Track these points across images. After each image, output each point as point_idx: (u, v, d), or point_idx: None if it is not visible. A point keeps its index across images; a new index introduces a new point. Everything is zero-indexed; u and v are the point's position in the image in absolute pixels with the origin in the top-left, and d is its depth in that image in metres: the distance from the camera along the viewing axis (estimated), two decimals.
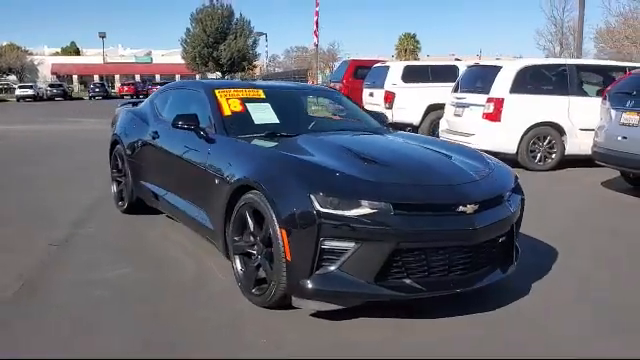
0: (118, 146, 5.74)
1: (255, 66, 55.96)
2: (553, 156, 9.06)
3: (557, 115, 8.99)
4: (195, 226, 4.36)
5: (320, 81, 28.72)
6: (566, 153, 9.08)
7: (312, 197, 3.13)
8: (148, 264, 4.27)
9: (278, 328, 3.23)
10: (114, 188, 5.95)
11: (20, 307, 3.48)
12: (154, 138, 5.00)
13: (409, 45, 71.09)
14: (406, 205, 3.18)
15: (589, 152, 8.19)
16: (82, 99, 48.56)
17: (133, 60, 71.51)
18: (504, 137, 8.86)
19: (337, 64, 76.87)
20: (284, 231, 3.19)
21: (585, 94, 9.17)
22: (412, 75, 12.04)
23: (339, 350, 2.99)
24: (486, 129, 8.94)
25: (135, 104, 6.49)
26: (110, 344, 3.02)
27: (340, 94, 5.30)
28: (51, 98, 45.57)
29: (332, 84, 15.92)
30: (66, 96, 47.40)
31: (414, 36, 71.35)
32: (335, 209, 3.11)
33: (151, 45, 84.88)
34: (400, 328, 3.24)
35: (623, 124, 6.85)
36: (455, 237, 3.25)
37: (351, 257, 3.12)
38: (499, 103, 8.82)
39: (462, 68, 11.38)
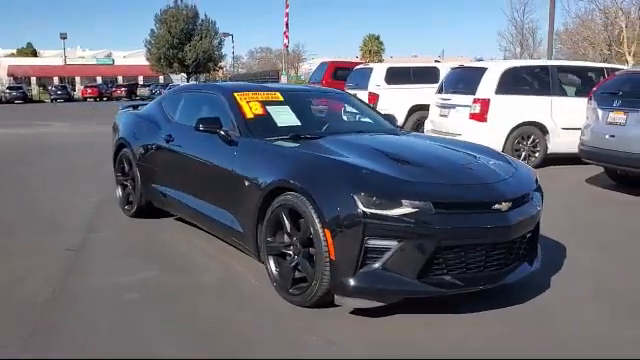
0: (125, 150, 5.70)
1: (221, 67, 55.60)
2: (537, 155, 9.35)
3: (540, 115, 9.28)
4: (219, 228, 4.38)
5: (284, 81, 28.72)
6: (549, 152, 9.37)
7: (356, 198, 3.21)
8: (172, 267, 4.27)
9: (323, 326, 3.29)
10: (119, 192, 5.91)
11: (60, 312, 3.46)
12: (168, 141, 5.00)
13: (373, 46, 71.87)
14: (446, 204, 3.29)
15: (571, 150, 8.52)
16: (43, 102, 47.44)
17: (94, 62, 70.06)
18: (490, 137, 9.06)
19: (304, 65, 76.96)
20: (328, 231, 3.26)
21: (566, 94, 9.49)
22: (395, 77, 12.25)
23: (388, 346, 3.08)
24: (473, 129, 9.14)
25: (135, 107, 6.45)
26: (162, 344, 3.05)
27: (350, 96, 5.38)
28: (10, 101, 44.25)
29: (312, 85, 15.99)
30: (26, 99, 46.11)
31: (378, 37, 72.16)
32: (377, 209, 3.19)
33: (111, 46, 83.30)
34: (432, 324, 3.33)
35: (610, 123, 7.14)
36: (492, 234, 3.37)
37: (394, 255, 3.21)
38: (485, 104, 9.05)
39: (442, 70, 11.61)
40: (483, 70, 9.33)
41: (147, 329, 3.25)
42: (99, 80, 61.99)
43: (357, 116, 5.09)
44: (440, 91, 10.20)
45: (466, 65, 10.53)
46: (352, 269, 3.24)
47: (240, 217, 4.08)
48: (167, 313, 3.47)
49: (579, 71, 10.04)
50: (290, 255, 3.64)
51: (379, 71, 12.45)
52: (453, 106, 9.56)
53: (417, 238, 3.20)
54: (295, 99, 4.87)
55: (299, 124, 4.51)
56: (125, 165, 5.72)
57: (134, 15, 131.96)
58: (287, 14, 27.62)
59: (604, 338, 3.20)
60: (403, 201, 3.22)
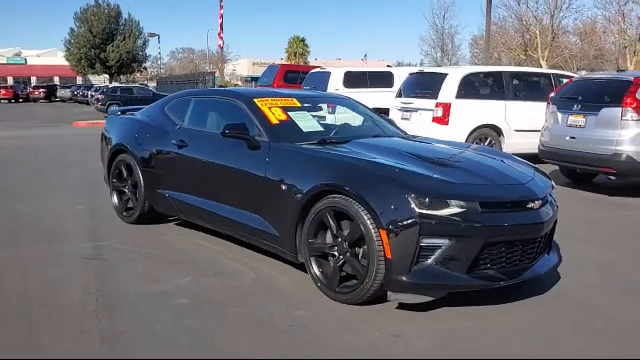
0: (123, 155, 5.62)
1: (145, 68, 54.12)
2: None
3: (495, 118, 9.87)
4: (247, 232, 4.45)
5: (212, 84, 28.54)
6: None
7: (410, 200, 3.43)
8: (203, 272, 4.30)
9: (380, 321, 3.48)
10: (115, 199, 5.82)
11: (120, 319, 3.45)
12: (180, 147, 5.00)
13: (298, 48, 72.30)
14: (490, 203, 3.58)
15: (523, 151, 9.10)
16: None
17: (3, 61, 66.20)
18: (452, 139, 9.51)
19: (228, 65, 76.08)
20: (383, 232, 3.45)
21: (518, 98, 10.13)
22: (352, 81, 12.58)
23: (447, 335, 3.31)
24: (435, 132, 9.58)
25: (124, 113, 6.36)
26: (247, 345, 3.14)
27: (353, 100, 5.57)
28: None
29: (260, 88, 16.04)
30: None
31: (303, 40, 72.64)
32: (429, 209, 3.43)
33: (20, 44, 78.64)
34: (479, 314, 3.60)
35: (570, 125, 7.75)
36: (528, 230, 3.69)
37: (445, 252, 3.46)
38: (447, 108, 9.53)
39: (397, 74, 12.04)
40: (444, 75, 9.81)
41: (221, 331, 3.32)
42: (10, 81, 58.59)
43: (366, 120, 5.29)
44: (400, 95, 10.60)
45: (426, 70, 11.00)
46: (407, 267, 3.45)
47: (274, 220, 4.19)
48: (228, 316, 3.54)
49: (529, 76, 10.75)
50: (334, 255, 3.80)
51: (337, 75, 12.75)
52: (415, 109, 9.98)
53: (466, 236, 3.46)
54: (310, 104, 5.02)
55: (322, 129, 4.67)
56: (123, 171, 5.64)
57: (47, 12, 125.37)
58: (222, 15, 27.46)
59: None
60: (452, 201, 3.47)
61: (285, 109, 4.69)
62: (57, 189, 7.70)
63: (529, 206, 3.72)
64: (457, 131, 9.57)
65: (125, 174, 5.64)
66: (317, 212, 3.84)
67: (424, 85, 10.18)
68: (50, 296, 3.78)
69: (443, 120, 9.57)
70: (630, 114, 7.08)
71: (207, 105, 5.25)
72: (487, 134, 9.86)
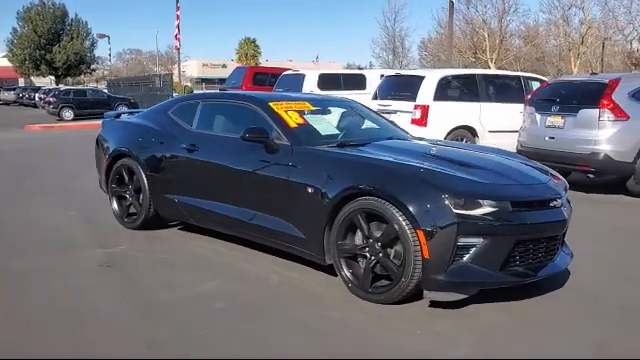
0: (125, 160, 5.53)
1: (94, 69, 52.67)
2: None
3: (471, 119, 10.14)
4: (268, 235, 4.45)
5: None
6: None
7: (447, 201, 3.54)
8: (228, 277, 4.29)
9: (418, 319, 3.57)
10: (115, 205, 5.70)
11: (165, 325, 3.44)
12: (191, 151, 4.96)
13: (249, 50, 72.02)
14: (520, 202, 3.72)
15: None
16: None
17: None
18: None
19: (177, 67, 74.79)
20: (421, 232, 3.54)
21: (491, 100, 10.44)
22: (327, 83, 12.70)
23: (484, 329, 3.43)
24: (414, 133, 9.75)
25: (118, 116, 6.24)
26: (305, 345, 3.17)
27: (357, 103, 5.65)
28: None
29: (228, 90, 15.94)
30: None
31: (254, 41, 72.40)
32: (463, 209, 3.55)
33: None
34: (510, 308, 3.74)
35: (549, 126, 8.08)
36: (553, 228, 3.86)
37: (479, 250, 3.58)
38: (425, 109, 9.73)
39: (370, 77, 12.22)
40: (421, 78, 10.02)
41: (269, 334, 3.35)
42: None
43: (374, 123, 5.37)
44: (376, 97, 10.76)
45: (403, 73, 11.22)
46: (445, 266, 3.55)
47: (299, 223, 4.21)
48: (270, 318, 3.57)
49: (501, 79, 11.08)
50: (365, 256, 3.86)
51: (312, 77, 12.84)
52: (395, 111, 10.13)
53: (499, 234, 3.60)
54: (320, 108, 5.07)
55: (338, 132, 4.74)
56: (125, 176, 5.54)
57: None
58: (178, 16, 27.08)
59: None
60: (485, 201, 3.60)
61: (300, 112, 4.73)
62: (38, 196, 7.47)
63: (552, 204, 3.88)
64: (435, 132, 9.76)
65: (127, 179, 5.54)
66: (347, 214, 3.90)
67: (401, 87, 10.35)
68: (84, 305, 3.71)
69: (422, 122, 9.76)
70: (607, 115, 7.44)
71: (217, 109, 5.23)
72: (463, 135, 10.12)
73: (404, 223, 3.60)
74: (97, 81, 65.69)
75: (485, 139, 10.21)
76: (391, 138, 4.92)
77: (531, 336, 3.38)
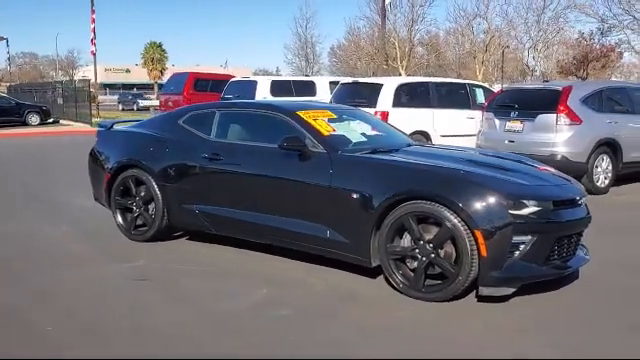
0: (133, 171, 5.38)
1: None
2: None
3: (425, 124, 10.66)
4: (306, 240, 4.52)
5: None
6: None
7: (502, 201, 3.82)
8: (273, 284, 4.31)
9: (479, 315, 3.81)
10: (119, 218, 5.52)
11: (239, 332, 3.46)
12: (213, 160, 4.93)
13: (155, 54, 70.09)
14: (558, 201, 4.07)
15: None
16: None
17: None
18: None
19: (79, 72, 71.35)
20: (479, 232, 3.79)
21: (442, 106, 10.99)
22: (279, 89, 12.78)
23: (545, 317, 3.73)
24: None
25: (111, 127, 6.03)
26: (377, 351, 3.30)
27: (365, 112, 5.82)
28: None
29: (166, 97, 15.58)
30: None
31: (160, 45, 70.53)
32: (514, 210, 3.84)
33: None
34: (549, 303, 4.07)
35: (508, 130, 8.68)
36: (582, 224, 4.24)
37: (528, 247, 3.89)
38: (385, 116, 10.09)
39: (319, 83, 12.46)
40: (379, 86, 10.39)
41: (352, 338, 3.44)
42: None
43: (386, 130, 5.56)
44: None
45: (360, 81, 11.52)
46: (501, 263, 3.83)
47: (342, 227, 4.33)
48: (341, 321, 3.68)
49: (449, 86, 11.69)
50: (417, 258, 4.05)
51: (264, 84, 12.87)
52: None
53: (545, 231, 3.93)
54: (340, 116, 5.20)
55: (364, 139, 4.89)
56: (132, 187, 5.39)
57: None
58: (94, 20, 25.97)
59: None
60: (531, 201, 3.91)
61: (327, 121, 4.84)
62: (17, 211, 7.00)
63: (579, 202, 4.27)
64: None
65: (134, 190, 5.39)
66: (397, 218, 4.07)
67: (359, 94, 10.66)
68: (146, 319, 3.66)
69: None
70: (563, 120, 8.13)
71: (238, 118, 5.22)
72: (418, 139, 10.55)
73: (460, 224, 3.84)
74: (12, 87, 61.41)
75: (437, 142, 10.75)
76: (410, 145, 5.15)
77: (583, 319, 3.72)
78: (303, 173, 4.52)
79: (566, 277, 4.30)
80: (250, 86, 12.93)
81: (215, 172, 4.95)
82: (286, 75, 43.26)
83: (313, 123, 4.72)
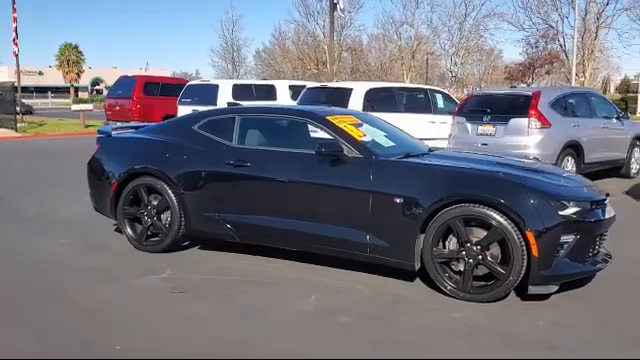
0: (146, 179, 5.14)
1: None
2: None
3: None
4: (342, 246, 4.49)
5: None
6: None
7: (551, 203, 3.97)
8: (316, 291, 4.27)
9: (531, 312, 3.94)
10: (128, 229, 5.25)
11: (306, 342, 3.43)
12: (239, 166, 4.79)
13: (71, 55, 67.19)
14: (593, 202, 4.28)
15: None
16: None
17: None
18: None
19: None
20: (530, 233, 3.92)
21: (407, 111, 11.22)
22: (240, 93, 12.62)
23: (590, 315, 3.91)
24: None
25: (112, 131, 5.74)
26: (445, 352, 3.36)
27: (372, 117, 5.83)
28: None
29: (113, 101, 14.94)
30: None
31: (76, 47, 67.68)
32: (560, 210, 4.01)
33: None
34: (583, 300, 4.28)
35: (481, 134, 9.00)
36: (610, 223, 4.46)
37: (572, 246, 4.07)
38: None
39: (279, 88, 12.42)
40: (349, 90, 10.47)
41: (419, 341, 3.49)
42: None
43: (403, 135, 5.59)
44: None
45: (329, 85, 11.54)
46: (550, 262, 3.98)
47: (382, 232, 4.34)
48: (400, 326, 3.71)
49: (412, 91, 11.98)
50: (464, 260, 4.14)
51: (226, 88, 12.67)
52: None
53: (586, 231, 4.12)
54: (363, 122, 5.20)
55: (394, 144, 4.93)
56: (144, 196, 5.15)
57: None
58: (15, 19, 24.50)
59: None
60: (571, 202, 4.10)
61: (355, 126, 4.84)
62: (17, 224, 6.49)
63: (606, 202, 4.51)
64: None
65: (146, 199, 5.15)
66: (444, 221, 4.14)
67: (328, 99, 10.66)
68: (215, 331, 3.54)
69: None
70: (534, 123, 8.53)
71: (263, 124, 5.11)
72: None
73: (509, 226, 3.95)
74: None
75: None
76: (431, 150, 5.23)
77: (623, 309, 3.95)
78: (341, 178, 4.49)
79: None
80: (211, 90, 12.64)
81: (242, 179, 4.83)
82: (211, 78, 42.61)
83: (345, 128, 4.71)
